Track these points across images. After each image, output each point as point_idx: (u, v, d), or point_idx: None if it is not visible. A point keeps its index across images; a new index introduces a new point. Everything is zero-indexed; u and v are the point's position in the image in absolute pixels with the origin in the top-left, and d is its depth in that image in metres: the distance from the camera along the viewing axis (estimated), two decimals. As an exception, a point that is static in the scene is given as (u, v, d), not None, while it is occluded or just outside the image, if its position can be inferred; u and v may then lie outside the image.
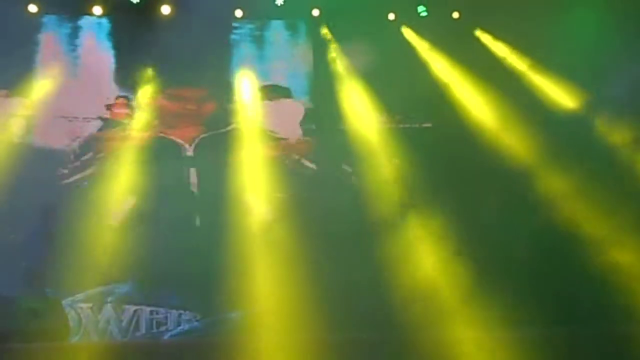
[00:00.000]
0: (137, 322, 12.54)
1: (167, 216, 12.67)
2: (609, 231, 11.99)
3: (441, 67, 12.91)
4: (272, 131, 13.06)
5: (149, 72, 12.78)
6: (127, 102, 12.92)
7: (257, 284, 11.87)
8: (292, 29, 13.00)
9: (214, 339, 12.30)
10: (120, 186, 12.45)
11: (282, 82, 13.17)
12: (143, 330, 12.55)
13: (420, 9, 12.76)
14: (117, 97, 12.93)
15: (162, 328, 12.60)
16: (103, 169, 12.59)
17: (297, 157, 13.10)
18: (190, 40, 12.01)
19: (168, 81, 12.86)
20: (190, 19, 12.11)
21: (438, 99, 12.78)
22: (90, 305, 12.41)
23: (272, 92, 13.15)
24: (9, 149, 12.29)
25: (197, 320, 12.62)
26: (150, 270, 12.44)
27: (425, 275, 12.01)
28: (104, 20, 12.62)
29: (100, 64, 12.76)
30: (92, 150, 12.78)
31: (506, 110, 12.60)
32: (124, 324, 12.50)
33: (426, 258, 12.09)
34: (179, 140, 13.02)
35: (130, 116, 12.91)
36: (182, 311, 12.61)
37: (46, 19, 12.45)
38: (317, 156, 13.14)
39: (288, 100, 13.22)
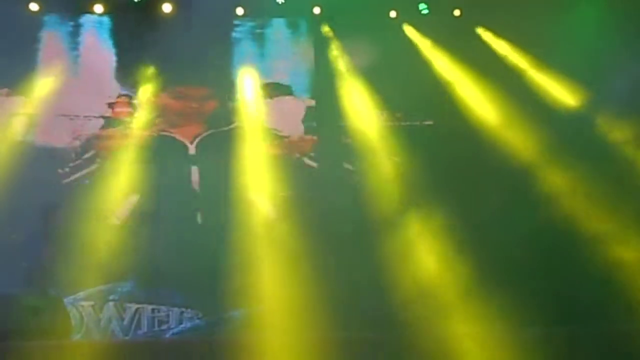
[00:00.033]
0: (139, 320, 12.55)
1: (169, 214, 12.69)
2: (610, 229, 11.98)
3: (442, 64, 12.92)
4: (274, 129, 13.07)
5: (151, 70, 12.78)
6: (129, 100, 12.94)
7: (260, 282, 11.86)
8: (293, 27, 13.00)
9: (216, 337, 12.26)
10: (122, 184, 12.45)
11: (284, 80, 13.19)
12: (145, 329, 12.56)
13: (422, 6, 12.77)
14: (119, 96, 12.95)
15: (164, 326, 12.61)
16: (105, 168, 12.61)
17: (298, 155, 13.11)
18: (192, 38, 11.99)
19: (170, 79, 12.87)
20: (191, 17, 12.12)
21: (439, 97, 12.79)
22: (92, 303, 12.42)
23: (274, 90, 13.17)
24: (11, 148, 12.29)
25: (199, 319, 12.63)
26: (152, 268, 12.46)
27: (426, 273, 12.00)
28: (105, 19, 12.64)
29: (102, 63, 12.77)
30: (94, 149, 12.79)
31: (507, 108, 12.60)
32: (125, 322, 12.51)
33: (427, 256, 12.07)
34: (181, 139, 13.03)
35: (132, 114, 12.92)
36: (184, 309, 12.62)
37: (47, 17, 12.45)
38: (318, 154, 13.15)
39: (290, 98, 13.23)
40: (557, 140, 12.38)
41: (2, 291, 11.83)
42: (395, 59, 12.62)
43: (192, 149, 12.99)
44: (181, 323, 12.61)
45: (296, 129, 13.21)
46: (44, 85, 12.50)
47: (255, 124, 12.98)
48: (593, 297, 11.94)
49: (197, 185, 12.91)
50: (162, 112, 13.03)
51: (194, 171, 12.95)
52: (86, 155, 12.73)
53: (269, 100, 13.14)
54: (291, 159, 13.01)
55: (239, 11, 12.57)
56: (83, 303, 12.37)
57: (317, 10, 12.67)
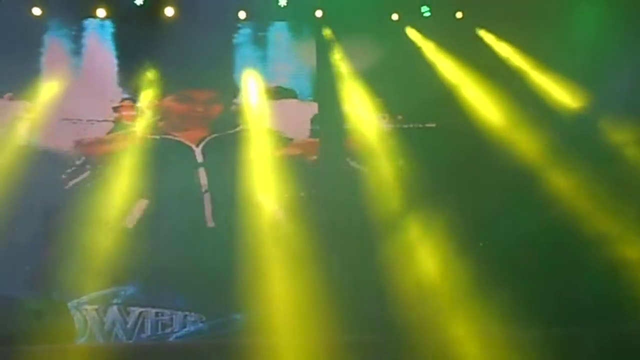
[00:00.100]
0: (143, 323, 12.55)
1: (173, 217, 12.68)
2: (613, 229, 11.99)
3: (445, 67, 12.90)
4: (278, 131, 13.07)
5: (154, 73, 12.78)
6: (132, 104, 12.94)
7: (263, 285, 11.86)
8: (295, 30, 12.98)
9: (219, 341, 12.30)
10: (126, 188, 12.46)
11: (286, 83, 13.18)
12: (148, 332, 12.57)
13: (424, 9, 12.76)
14: (123, 100, 12.95)
15: (168, 330, 12.61)
16: (108, 171, 12.60)
17: (302, 157, 13.11)
18: (194, 41, 12.02)
19: (173, 83, 12.87)
20: (194, 20, 12.15)
21: (442, 99, 12.76)
22: (95, 307, 12.43)
23: (277, 93, 13.17)
24: (14, 152, 12.30)
25: (202, 322, 12.63)
26: (156, 271, 12.46)
27: (429, 275, 12.01)
28: (108, 23, 12.62)
29: (104, 66, 12.77)
30: (97, 153, 12.80)
31: (509, 110, 12.59)
32: (129, 326, 12.51)
33: (429, 258, 12.08)
34: (187, 142, 13.04)
35: (135, 118, 12.92)
36: (187, 313, 12.63)
37: (50, 21, 12.42)
38: (322, 156, 13.15)
39: (293, 101, 13.23)
40: (560, 142, 12.38)
41: (5, 295, 11.88)
42: (397, 61, 12.62)
43: (198, 152, 13.00)
44: (185, 326, 12.61)
45: (300, 132, 13.21)
46: (47, 89, 12.51)
47: (259, 127, 12.98)
48: (596, 298, 11.96)
49: (203, 189, 12.90)
50: (166, 116, 13.04)
51: (200, 174, 12.95)
52: (89, 159, 12.74)
53: (273, 103, 13.13)
54: (295, 161, 13.00)
55: (241, 15, 12.57)
56: (87, 307, 12.38)
57: (319, 13, 12.66)
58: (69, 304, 12.21)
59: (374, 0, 12.36)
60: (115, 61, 12.76)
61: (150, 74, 12.78)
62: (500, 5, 12.44)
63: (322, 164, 13.14)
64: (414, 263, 12.10)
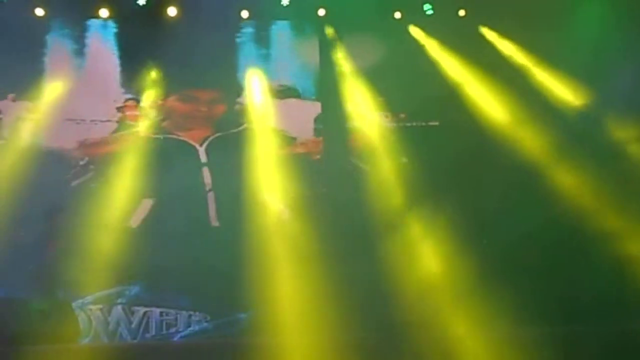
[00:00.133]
0: (147, 323, 12.56)
1: (177, 217, 12.69)
2: (618, 226, 11.98)
3: (448, 65, 12.91)
4: (281, 130, 13.08)
5: (157, 73, 12.80)
6: (136, 104, 12.95)
7: (268, 284, 11.85)
8: (298, 29, 12.99)
9: (224, 340, 12.29)
10: (130, 188, 12.47)
11: (289, 82, 13.19)
12: (153, 332, 12.59)
13: (426, 7, 12.76)
14: (127, 100, 12.96)
15: (172, 329, 12.62)
16: (112, 171, 12.60)
17: (306, 156, 13.12)
18: (197, 41, 12.03)
19: (176, 82, 12.89)
20: (197, 20, 12.16)
21: (445, 97, 12.78)
22: (100, 307, 12.45)
23: (280, 92, 13.18)
24: (18, 152, 12.32)
25: (207, 321, 12.64)
26: (160, 271, 12.47)
27: (433, 273, 12.00)
28: (111, 23, 12.64)
29: (107, 67, 12.79)
30: (101, 153, 12.81)
31: (513, 108, 12.60)
32: (133, 325, 12.53)
33: (433, 256, 12.08)
34: (191, 142, 13.05)
35: (139, 118, 12.93)
36: (192, 312, 12.64)
37: (53, 22, 12.45)
38: (325, 155, 13.16)
39: (296, 99, 13.24)
40: (563, 140, 12.38)
41: (9, 295, 11.89)
42: (400, 59, 12.64)
43: (202, 152, 13.01)
44: (189, 326, 12.63)
45: (303, 131, 13.22)
46: (50, 90, 12.53)
47: (263, 126, 12.98)
48: (600, 296, 11.93)
49: (207, 188, 12.92)
50: (169, 115, 13.06)
51: (205, 173, 12.96)
52: (93, 159, 12.75)
53: (276, 101, 13.14)
54: (299, 159, 13.00)
55: (244, 14, 12.59)
56: (91, 306, 12.40)
57: (321, 12, 12.68)
58: (74, 304, 12.18)
59: (376, -2, 12.41)
60: (118, 61, 12.79)
61: (153, 74, 12.80)
62: (502, 2, 12.47)
63: (326, 163, 13.15)
64: (418, 261, 12.10)
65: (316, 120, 13.22)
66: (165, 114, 13.07)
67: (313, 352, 10.86)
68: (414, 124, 13.15)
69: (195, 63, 12.36)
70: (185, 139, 13.03)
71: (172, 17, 12.45)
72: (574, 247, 12.18)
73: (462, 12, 12.76)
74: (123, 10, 12.48)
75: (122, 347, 12.23)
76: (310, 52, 13.09)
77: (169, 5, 12.43)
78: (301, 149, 13.17)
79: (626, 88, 12.32)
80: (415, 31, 12.96)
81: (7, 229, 11.79)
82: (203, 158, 12.98)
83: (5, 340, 11.10)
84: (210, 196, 12.89)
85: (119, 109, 12.96)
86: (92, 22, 12.66)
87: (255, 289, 11.78)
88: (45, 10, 12.25)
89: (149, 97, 12.93)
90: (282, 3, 12.46)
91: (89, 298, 12.37)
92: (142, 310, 12.56)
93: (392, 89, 12.74)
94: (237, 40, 12.88)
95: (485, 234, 12.22)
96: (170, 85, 12.92)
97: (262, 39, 12.94)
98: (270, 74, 13.06)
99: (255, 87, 13.09)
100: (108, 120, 12.90)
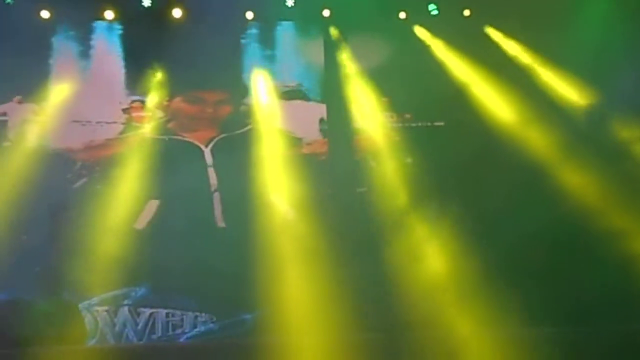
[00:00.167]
0: (153, 324, 12.58)
1: (183, 218, 12.71)
2: (624, 225, 11.96)
3: (453, 65, 12.89)
4: (287, 131, 13.08)
5: (163, 75, 12.81)
6: (142, 105, 12.96)
7: (274, 284, 11.86)
8: (303, 30, 12.98)
9: (230, 341, 12.31)
10: (136, 189, 12.48)
11: (294, 83, 13.19)
12: (159, 333, 12.60)
13: (431, 7, 12.74)
14: (133, 101, 12.97)
15: (178, 330, 12.64)
16: (118, 173, 12.61)
17: (312, 156, 13.12)
18: (202, 42, 12.02)
19: (182, 84, 12.89)
20: (202, 21, 12.17)
21: (450, 97, 12.75)
22: (106, 308, 12.47)
23: (286, 93, 13.18)
24: (24, 154, 12.34)
25: (213, 322, 12.65)
26: (166, 272, 12.49)
27: (439, 273, 12.00)
28: (116, 25, 12.66)
29: (113, 68, 12.79)
30: (107, 154, 12.82)
31: (518, 108, 12.58)
32: (140, 327, 12.54)
33: (439, 256, 12.07)
34: (197, 143, 13.06)
35: (145, 119, 12.95)
36: (198, 313, 12.65)
37: (58, 24, 12.46)
38: (331, 156, 13.16)
39: (301, 101, 13.24)
40: (568, 139, 12.35)
41: (15, 297, 11.92)
42: (405, 60, 12.63)
43: (207, 153, 13.02)
44: (195, 327, 12.64)
45: (309, 131, 13.22)
46: (56, 92, 12.54)
47: (269, 127, 12.99)
48: (606, 295, 11.90)
49: (213, 189, 12.93)
50: (175, 117, 13.08)
51: (210, 175, 12.97)
52: (99, 161, 12.77)
53: (282, 102, 13.15)
54: (305, 160, 12.99)
55: (249, 15, 12.58)
56: (97, 308, 12.42)
57: (326, 12, 12.66)
58: (80, 306, 12.24)
59: (381, -1, 12.40)
60: (123, 63, 12.78)
61: (158, 75, 12.81)
62: (507, 3, 12.41)
63: (331, 164, 13.14)
64: (423, 261, 12.09)
65: (322, 121, 13.22)
66: (171, 115, 13.08)
67: (319, 352, 10.87)
68: (420, 124, 13.15)
69: (200, 64, 12.34)
70: (191, 140, 13.05)
71: (177, 19, 12.46)
72: (580, 247, 12.15)
73: (467, 12, 12.73)
74: (128, 12, 12.49)
75: (128, 349, 12.26)
76: (315, 53, 13.07)
77: (174, 7, 12.43)
78: (307, 149, 13.17)
79: (631, 88, 12.30)
80: (420, 31, 12.95)
81: (13, 231, 11.82)
82: (208, 159, 12.98)
83: (12, 342, 11.15)
84: (216, 197, 12.90)
85: (124, 110, 12.97)
86: (98, 24, 12.66)
87: (261, 289, 11.79)
88: (50, 12, 12.25)
89: (155, 98, 12.94)
90: (286, 4, 12.45)
91: (95, 299, 12.39)
92: (148, 311, 12.58)
93: (397, 89, 12.73)
94: (242, 41, 12.87)
95: (490, 234, 12.18)
96: (175, 87, 12.93)
97: (267, 40, 12.94)
98: (275, 75, 13.06)
99: (261, 88, 13.09)
100: (114, 122, 12.92)
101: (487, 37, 12.88)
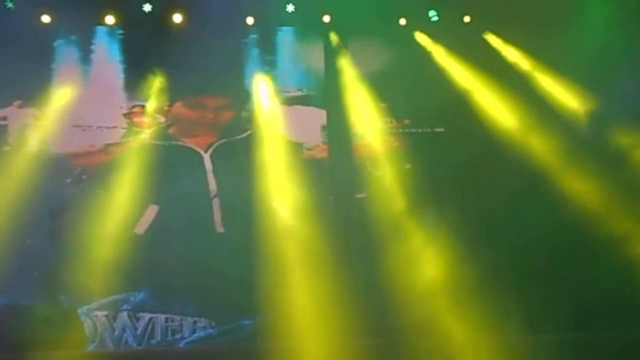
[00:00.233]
0: (153, 329, 12.58)
1: (183, 223, 12.72)
2: (626, 230, 11.96)
3: (453, 71, 12.90)
4: (288, 136, 13.09)
5: (163, 80, 12.82)
6: (142, 110, 12.98)
7: (273, 290, 11.86)
8: (303, 35, 12.99)
9: (229, 346, 12.32)
10: (136, 194, 12.48)
11: (295, 89, 13.20)
12: (158, 338, 12.58)
13: (432, 13, 12.75)
14: (133, 106, 12.99)
15: (178, 335, 12.63)
16: (118, 177, 12.62)
17: (312, 162, 13.12)
18: (203, 48, 12.04)
19: (182, 89, 12.90)
20: (202, 26, 12.16)
21: (450, 104, 12.75)
22: (105, 313, 12.47)
23: (286, 98, 13.19)
24: (24, 159, 12.35)
25: (212, 328, 12.65)
26: (165, 277, 12.51)
27: (439, 278, 11.99)
28: (117, 30, 12.68)
29: (114, 73, 12.82)
30: (107, 159, 12.84)
31: (518, 114, 12.58)
32: (139, 332, 12.54)
33: (440, 262, 12.06)
34: (196, 148, 13.07)
35: (145, 124, 12.97)
36: (197, 318, 12.65)
37: (59, 29, 12.46)
38: (331, 161, 13.16)
39: (302, 106, 13.25)
40: (569, 145, 12.35)
41: (14, 301, 11.93)
42: (405, 66, 12.63)
43: (206, 158, 13.03)
44: (194, 332, 12.63)
45: (309, 137, 13.23)
46: (56, 96, 12.55)
47: (269, 132, 12.99)
48: (609, 300, 11.90)
49: (213, 194, 12.93)
50: (176, 122, 13.09)
51: (210, 180, 12.98)
52: (99, 166, 12.78)
53: (282, 108, 13.15)
54: (305, 166, 12.99)
55: (249, 20, 12.58)
56: (97, 313, 12.42)
57: (326, 18, 12.66)
58: (79, 310, 12.25)
59: (381, 5, 12.33)
60: (124, 68, 12.81)
61: (159, 81, 12.82)
62: (507, 9, 12.40)
63: (332, 169, 13.14)
64: (422, 267, 12.08)
65: (322, 126, 13.22)
66: (172, 120, 13.10)
67: (319, 357, 10.88)
68: (420, 130, 13.15)
69: (201, 69, 12.35)
70: (191, 146, 13.05)
71: (177, 24, 12.47)
72: (581, 253, 12.13)
73: (467, 19, 12.73)
74: (129, 17, 12.50)
75: (127, 354, 12.29)
76: (316, 58, 13.07)
77: (174, 12, 12.45)
78: (308, 155, 13.17)
79: (632, 94, 12.30)
80: (420, 37, 12.96)
81: (13, 236, 11.83)
82: (208, 164, 12.99)
83: (11, 347, 11.18)
84: (215, 202, 12.90)
85: (125, 115, 12.99)
86: (99, 29, 12.67)
87: (261, 295, 11.80)
88: (51, 17, 12.26)
89: (155, 103, 12.95)
90: (287, 10, 12.47)
91: (95, 304, 12.39)
92: (147, 316, 12.58)
93: (397, 95, 12.74)
94: (243, 46, 12.89)
95: (490, 240, 12.17)
96: (176, 92, 12.94)
97: (267, 46, 12.94)
98: (275, 80, 13.08)
99: (262, 93, 13.10)
100: (114, 127, 12.93)
101: (488, 44, 12.88)
